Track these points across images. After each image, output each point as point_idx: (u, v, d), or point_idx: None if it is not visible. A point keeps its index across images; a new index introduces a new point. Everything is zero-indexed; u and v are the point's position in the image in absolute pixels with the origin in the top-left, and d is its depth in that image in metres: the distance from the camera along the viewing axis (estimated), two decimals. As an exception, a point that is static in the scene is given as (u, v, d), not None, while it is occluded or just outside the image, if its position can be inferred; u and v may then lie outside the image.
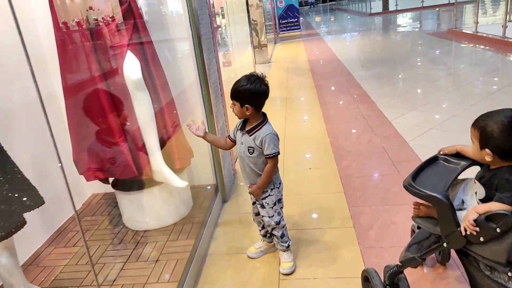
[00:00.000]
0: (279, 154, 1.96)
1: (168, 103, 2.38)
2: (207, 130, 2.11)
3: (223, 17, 5.72)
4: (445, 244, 1.50)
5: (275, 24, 15.06)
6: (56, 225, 2.66)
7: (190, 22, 2.48)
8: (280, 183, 2.12)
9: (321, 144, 3.99)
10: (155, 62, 2.29)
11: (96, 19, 2.10)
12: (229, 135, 2.11)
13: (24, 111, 2.52)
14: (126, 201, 2.44)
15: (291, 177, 3.28)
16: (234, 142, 2.10)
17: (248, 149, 1.97)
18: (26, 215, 2.54)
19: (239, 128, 2.03)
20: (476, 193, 1.50)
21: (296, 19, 15.75)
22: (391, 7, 20.76)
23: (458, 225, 1.41)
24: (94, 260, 2.26)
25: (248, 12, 7.34)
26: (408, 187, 1.53)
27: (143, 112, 2.16)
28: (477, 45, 8.51)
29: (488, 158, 1.40)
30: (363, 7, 23.43)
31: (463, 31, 9.82)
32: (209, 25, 2.84)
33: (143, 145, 2.23)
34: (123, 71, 2.05)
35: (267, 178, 2.00)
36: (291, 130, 4.53)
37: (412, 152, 3.52)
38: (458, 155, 1.63)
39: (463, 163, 1.57)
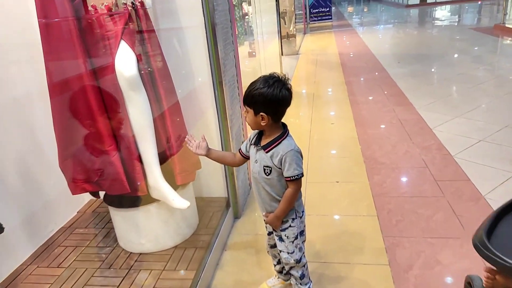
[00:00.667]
0: (302, 176, 1.54)
1: (172, 106, 1.98)
2: (209, 146, 1.71)
3: (250, 4, 5.26)
4: None
5: (306, 13, 14.40)
6: (43, 238, 2.34)
7: (203, 7, 2.05)
8: (303, 212, 1.70)
9: (351, 152, 3.51)
10: (157, 55, 1.89)
11: (125, 3, 1.73)
12: (240, 149, 1.70)
13: (11, 106, 2.19)
14: (119, 218, 2.08)
15: (314, 192, 2.84)
16: (246, 157, 1.70)
17: (264, 169, 1.55)
18: (10, 224, 2.25)
19: (252, 142, 1.62)
20: None
21: (328, 9, 15.03)
22: (430, -2, 19.61)
23: None
24: (78, 287, 1.92)
25: (277, 0, 6.83)
26: (481, 249, 1.04)
27: (138, 116, 1.77)
28: (528, 43, 7.70)
29: None
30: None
31: (512, 27, 8.93)
32: (227, 12, 2.41)
33: (138, 155, 1.84)
34: (114, 66, 1.66)
35: (288, 205, 1.59)
36: (317, 133, 4.07)
37: (458, 169, 3.01)
38: None
39: None
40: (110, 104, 1.74)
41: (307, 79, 6.64)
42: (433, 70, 6.41)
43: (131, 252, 2.12)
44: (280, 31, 6.78)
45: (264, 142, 1.56)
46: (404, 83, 5.66)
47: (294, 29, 9.21)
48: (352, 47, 9.63)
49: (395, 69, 6.62)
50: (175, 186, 2.00)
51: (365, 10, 24.02)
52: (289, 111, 1.57)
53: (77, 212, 2.64)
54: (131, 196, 1.92)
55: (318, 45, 10.77)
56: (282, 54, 7.02)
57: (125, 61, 1.66)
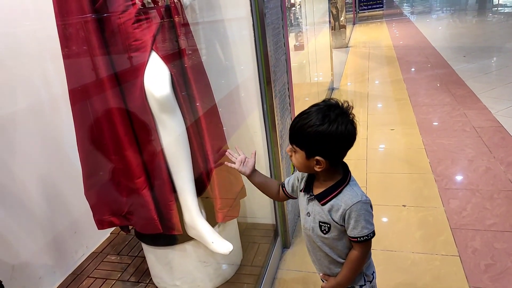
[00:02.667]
0: (374, 235, 1.14)
1: (212, 126, 1.64)
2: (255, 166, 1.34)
3: (299, -5, 4.80)
4: None
5: (355, 2, 13.59)
6: (72, 265, 2.12)
7: (251, 3, 1.68)
8: (373, 274, 1.30)
9: (418, 167, 3.01)
10: (195, 67, 1.55)
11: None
12: (283, 185, 1.33)
13: (34, 114, 1.97)
14: (152, 256, 1.79)
15: (376, 218, 2.40)
16: (290, 197, 1.33)
17: (320, 226, 1.17)
18: (33, 250, 2.05)
19: (302, 188, 1.24)
20: None
21: (379, -3, 14.12)
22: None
23: None
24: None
25: (327, -12, 6.30)
26: None
27: (172, 143, 1.45)
28: None
29: None
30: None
31: None
32: (279, 9, 2.02)
33: (172, 189, 1.53)
34: (143, 84, 1.34)
35: (354, 272, 1.20)
36: (375, 143, 3.58)
37: (560, 196, 2.44)
38: None
39: None
40: (139, 129, 1.43)
41: (359, 76, 6.08)
42: (508, 66, 5.61)
43: (165, 293, 1.84)
44: (330, 22, 6.25)
45: (318, 190, 1.17)
46: (474, 81, 4.96)
47: (345, 19, 8.59)
48: (407, 39, 8.84)
49: (461, 64, 5.89)
50: (214, 224, 1.67)
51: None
52: (346, 163, 1.17)
53: (110, 234, 2.41)
54: (165, 234, 1.61)
55: (369, 36, 10.04)
56: (332, 47, 6.49)
57: (156, 79, 1.33)
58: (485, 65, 5.77)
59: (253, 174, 1.34)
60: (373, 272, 1.30)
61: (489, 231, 2.21)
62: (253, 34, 1.75)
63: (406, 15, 13.62)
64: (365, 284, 1.26)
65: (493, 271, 1.92)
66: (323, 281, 1.34)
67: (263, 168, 2.09)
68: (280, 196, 1.36)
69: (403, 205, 2.55)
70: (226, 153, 1.34)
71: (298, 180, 1.28)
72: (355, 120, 1.09)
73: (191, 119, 1.54)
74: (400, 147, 3.41)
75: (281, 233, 2.24)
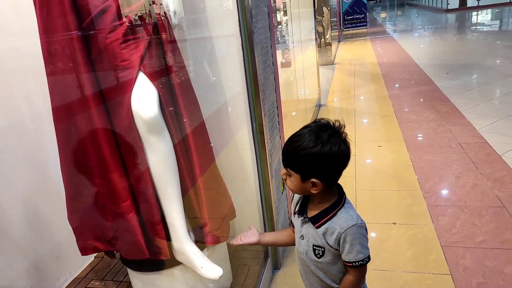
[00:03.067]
0: (369, 260, 1.11)
1: (200, 145, 1.60)
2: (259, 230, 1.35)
3: (285, 13, 4.87)
4: None
5: (340, 20, 13.89)
6: (52, 293, 2.03)
7: (239, 22, 1.68)
8: (368, 300, 1.27)
9: (407, 184, 3.02)
10: (183, 84, 1.53)
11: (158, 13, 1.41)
12: (291, 222, 1.30)
13: (15, 136, 1.90)
14: (138, 281, 1.72)
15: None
16: None
17: (314, 250, 1.14)
18: (10, 277, 1.94)
19: (296, 210, 1.21)
20: None
21: (363, 15, 14.45)
22: (470, 2, 18.45)
23: None
24: None
25: (314, 6, 6.40)
26: None
27: (160, 166, 1.41)
28: None
29: None
30: (438, 2, 21.24)
31: None
32: (268, 29, 2.03)
33: (160, 213, 1.48)
34: (130, 105, 1.30)
35: None
36: (363, 160, 3.59)
37: (546, 212, 2.46)
38: None
39: None
40: (126, 150, 1.39)
41: (346, 93, 6.15)
42: (488, 82, 5.76)
43: (151, 321, 1.76)
44: (316, 39, 6.34)
45: (312, 212, 1.14)
46: (458, 98, 5.07)
47: (330, 36, 8.74)
48: (391, 56, 9.03)
49: (444, 81, 6.02)
50: (203, 248, 1.62)
51: (401, 15, 23.08)
52: (341, 185, 1.16)
53: (95, 257, 2.32)
54: (152, 259, 1.55)
55: (354, 54, 10.22)
56: (318, 64, 6.56)
57: (143, 99, 1.30)
58: (468, 82, 5.91)
59: (264, 238, 1.35)
60: (367, 298, 1.27)
61: (479, 248, 2.20)
62: (241, 53, 1.74)
63: (389, 33, 13.95)
64: (359, 311, 1.23)
65: (485, 289, 1.91)
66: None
67: (253, 188, 2.06)
68: (294, 237, 1.32)
69: (393, 223, 2.54)
70: (232, 243, 1.35)
71: (294, 204, 1.25)
72: (347, 139, 1.08)
73: (179, 138, 1.51)
74: (388, 164, 3.43)
75: (272, 254, 2.19)
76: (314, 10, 6.33)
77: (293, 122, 3.83)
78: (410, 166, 3.30)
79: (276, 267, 2.23)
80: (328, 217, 1.10)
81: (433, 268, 2.09)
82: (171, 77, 1.46)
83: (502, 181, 2.89)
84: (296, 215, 1.20)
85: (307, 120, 4.50)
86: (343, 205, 1.11)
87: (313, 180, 1.05)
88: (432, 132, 4.01)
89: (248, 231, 1.33)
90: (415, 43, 11.01)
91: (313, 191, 1.08)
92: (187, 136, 1.52)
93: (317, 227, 1.11)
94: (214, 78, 1.89)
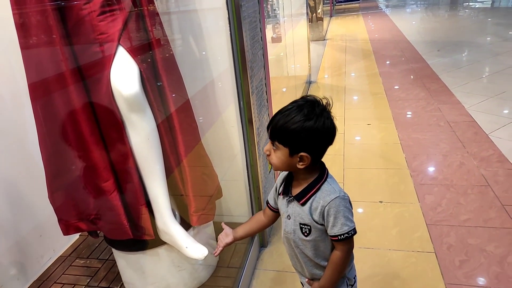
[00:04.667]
0: (355, 233, 1.10)
1: (184, 124, 1.55)
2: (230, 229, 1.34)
3: (276, -14, 4.71)
4: None
5: (332, -6, 13.60)
6: (37, 271, 2.00)
7: (227, 2, 1.60)
8: (355, 278, 1.27)
9: (394, 163, 3.03)
10: (166, 60, 1.46)
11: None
12: (267, 202, 1.28)
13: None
14: (122, 260, 1.70)
15: (354, 216, 2.39)
16: (276, 211, 1.28)
17: (301, 228, 1.13)
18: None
19: (280, 190, 1.20)
20: None
21: (355, -11, 14.17)
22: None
23: None
24: None
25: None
26: None
27: (142, 145, 1.36)
28: None
29: None
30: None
31: None
32: (257, 2, 1.94)
33: (143, 192, 1.44)
34: (109, 81, 1.24)
35: (337, 274, 1.16)
36: (352, 138, 3.58)
37: (530, 191, 2.50)
38: None
39: None
40: (107, 129, 1.33)
41: (336, 69, 6.08)
42: (479, 61, 5.74)
43: (137, 299, 1.76)
44: (308, 13, 6.20)
45: (296, 190, 1.13)
46: (448, 76, 5.05)
47: (322, 11, 8.56)
48: (383, 32, 8.92)
49: (435, 59, 5.98)
50: (189, 225, 1.60)
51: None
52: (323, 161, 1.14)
53: (79, 235, 2.29)
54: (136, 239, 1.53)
55: (346, 29, 10.07)
56: (309, 40, 6.44)
57: (123, 76, 1.23)
58: (458, 60, 5.89)
59: (236, 234, 1.30)
60: (355, 276, 1.27)
61: (463, 227, 2.24)
62: (228, 28, 1.66)
63: (381, 9, 13.75)
64: (347, 287, 1.24)
65: (468, 267, 1.94)
66: (302, 284, 1.31)
67: (240, 167, 2.03)
68: (268, 219, 1.31)
69: (379, 201, 2.55)
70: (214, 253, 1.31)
71: (276, 189, 1.23)
72: (333, 117, 1.07)
73: (163, 117, 1.45)
74: (377, 142, 3.42)
75: (259, 233, 2.19)
76: (306, -17, 6.15)
77: (282, 100, 3.78)
78: (398, 145, 3.30)
79: (263, 245, 2.24)
80: (312, 191, 1.09)
81: (418, 246, 2.12)
82: (153, 53, 1.39)
83: (488, 160, 2.92)
84: (281, 196, 1.19)
85: (297, 97, 4.43)
86: (325, 179, 1.10)
87: (302, 154, 1.03)
88: (421, 111, 4.01)
89: (222, 232, 1.30)
90: (407, 19, 10.88)
91: (300, 166, 1.06)
92: (171, 114, 1.47)
93: (303, 204, 1.10)
94: (200, 54, 1.82)
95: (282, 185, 1.18)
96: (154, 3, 1.47)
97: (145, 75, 1.30)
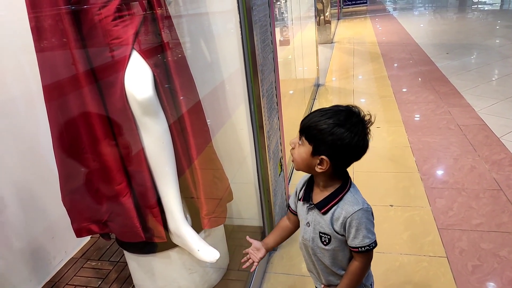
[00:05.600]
0: (376, 245, 1.10)
1: (196, 126, 1.56)
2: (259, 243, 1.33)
3: (284, -11, 4.72)
4: None
5: (339, -3, 13.59)
6: (49, 272, 2.02)
7: (238, 6, 1.61)
8: (371, 285, 1.27)
9: (404, 166, 3.01)
10: (178, 63, 1.47)
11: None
12: (288, 206, 1.28)
13: (5, 115, 1.85)
14: (134, 263, 1.71)
15: (365, 218, 2.38)
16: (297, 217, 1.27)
17: (321, 237, 1.12)
18: (5, 258, 1.92)
19: (301, 196, 1.18)
20: None
21: (363, -8, 14.16)
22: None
23: None
24: None
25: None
26: None
27: (155, 148, 1.37)
28: None
29: None
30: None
31: None
32: (267, 6, 1.95)
33: (156, 195, 1.45)
34: (123, 85, 1.25)
35: (354, 283, 1.16)
36: (362, 140, 3.55)
37: (543, 195, 2.47)
38: None
39: None
40: (120, 133, 1.34)
41: (344, 72, 6.07)
42: (488, 63, 5.69)
43: (148, 301, 1.76)
44: (316, 16, 6.20)
45: (317, 197, 1.11)
46: (457, 78, 5.01)
47: (330, 14, 8.56)
48: (391, 35, 8.88)
49: (444, 61, 5.94)
50: (200, 231, 1.60)
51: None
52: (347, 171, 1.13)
53: (91, 237, 2.31)
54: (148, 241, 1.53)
55: (353, 32, 10.05)
56: (317, 43, 6.44)
57: (138, 80, 1.25)
58: (467, 63, 5.84)
59: (268, 246, 1.30)
60: (372, 282, 1.26)
61: (475, 231, 2.21)
62: (240, 31, 1.67)
63: (389, 11, 13.70)
64: (364, 294, 1.23)
65: (480, 272, 1.92)
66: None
67: (250, 170, 2.03)
68: (293, 224, 1.29)
69: (390, 205, 2.53)
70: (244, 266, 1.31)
71: (296, 192, 1.23)
72: (370, 136, 1.05)
73: (175, 120, 1.46)
74: (386, 145, 3.41)
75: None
76: (314, -14, 6.15)
77: (291, 102, 3.77)
78: (408, 148, 3.28)
79: (273, 248, 2.23)
80: (334, 201, 1.08)
81: (429, 251, 2.10)
82: (166, 55, 1.40)
83: (500, 164, 2.88)
84: (300, 202, 1.18)
85: (306, 100, 4.44)
86: (349, 189, 1.09)
87: (323, 157, 1.02)
88: (431, 114, 3.98)
89: (250, 247, 1.30)
90: (414, 22, 10.83)
91: (318, 169, 1.04)
92: (183, 117, 1.48)
93: (324, 213, 1.09)
94: (211, 57, 1.83)
95: (303, 190, 1.17)
96: (165, 6, 1.49)
97: (158, 79, 1.31)
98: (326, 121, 1.00)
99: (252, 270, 1.27)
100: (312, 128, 1.02)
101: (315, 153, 1.04)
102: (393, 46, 7.56)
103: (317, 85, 5.41)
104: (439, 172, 2.88)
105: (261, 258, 1.28)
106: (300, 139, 1.07)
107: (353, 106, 1.05)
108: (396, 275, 1.96)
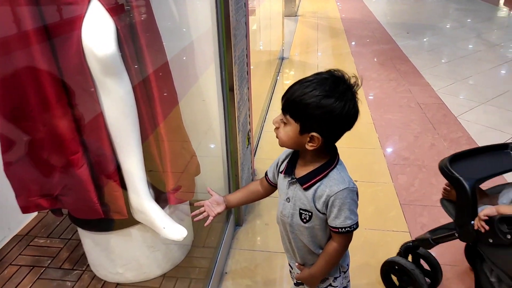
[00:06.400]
0: (357, 227, 1.04)
1: (163, 91, 1.41)
2: (221, 195, 1.22)
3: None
4: (456, 235, 1.39)
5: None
6: (-10, 251, 1.81)
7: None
8: (348, 265, 1.23)
9: (368, 142, 3.03)
10: (146, 21, 1.29)
11: None
12: (266, 174, 1.18)
13: None
14: (89, 240, 1.56)
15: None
16: (273, 185, 1.18)
17: (301, 214, 1.05)
18: None
19: (282, 169, 1.10)
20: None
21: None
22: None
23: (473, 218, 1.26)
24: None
25: None
26: (443, 169, 1.38)
27: (117, 113, 1.20)
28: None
29: None
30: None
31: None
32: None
33: (117, 166, 1.30)
34: (80, 38, 1.06)
35: (331, 265, 1.11)
36: (327, 115, 3.54)
37: (496, 173, 2.58)
38: None
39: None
40: (75, 95, 1.16)
41: (309, 46, 5.99)
42: (447, 44, 5.86)
43: (105, 281, 1.63)
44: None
45: (301, 172, 1.04)
46: (417, 58, 5.11)
47: (295, -14, 8.35)
48: (354, 11, 8.88)
49: (405, 40, 6.03)
50: (166, 203, 1.48)
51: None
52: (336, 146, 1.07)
53: (38, 212, 2.10)
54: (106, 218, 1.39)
55: (317, 6, 9.92)
56: (284, 15, 6.27)
57: (98, 33, 1.07)
58: (427, 43, 6.00)
59: (230, 203, 1.19)
60: (348, 263, 1.23)
61: (435, 207, 2.27)
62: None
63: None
64: (339, 276, 1.19)
65: (440, 246, 1.98)
66: (291, 267, 1.25)
67: (218, 142, 1.92)
68: (264, 191, 1.20)
69: (355, 180, 2.53)
70: (192, 217, 1.19)
71: (278, 164, 1.13)
72: (359, 100, 0.96)
73: (141, 83, 1.30)
74: (350, 121, 3.40)
75: (235, 210, 2.11)
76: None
77: (256, 74, 3.64)
78: (371, 124, 3.31)
79: (238, 223, 2.16)
80: (318, 178, 1.00)
81: (393, 226, 2.14)
82: (132, 10, 1.22)
83: (457, 142, 2.99)
84: (282, 175, 1.09)
85: (271, 73, 4.33)
86: (335, 166, 1.02)
87: (314, 134, 0.93)
88: (392, 92, 4.04)
89: (210, 198, 1.18)
90: (376, 0, 10.91)
91: (309, 147, 0.96)
92: (149, 79, 1.31)
93: (306, 189, 1.01)
94: (181, 16, 1.65)
95: (285, 162, 1.08)
96: None
97: (122, 34, 1.13)
98: (311, 94, 0.90)
99: (206, 224, 1.16)
100: (297, 104, 0.92)
101: (303, 130, 0.95)
102: (356, 23, 7.57)
103: (282, 58, 5.29)
104: (401, 149, 2.93)
105: (219, 214, 1.17)
106: (284, 117, 0.97)
107: (335, 71, 0.95)
108: (362, 250, 1.97)
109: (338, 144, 1.05)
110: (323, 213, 1.02)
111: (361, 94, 0.96)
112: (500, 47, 5.73)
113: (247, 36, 2.02)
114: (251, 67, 2.60)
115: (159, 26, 1.42)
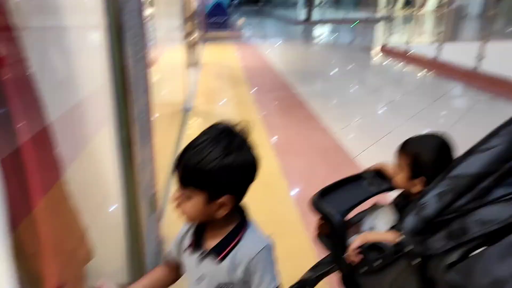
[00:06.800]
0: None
1: (42, 156, 1.15)
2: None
3: (151, 4, 4.41)
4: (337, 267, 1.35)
5: (204, 21, 13.81)
6: None
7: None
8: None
9: (278, 191, 3.02)
10: (20, 80, 1.06)
11: None
12: (166, 259, 1.02)
13: None
14: None
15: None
16: (177, 263, 1.02)
17: None
18: None
19: (188, 244, 0.96)
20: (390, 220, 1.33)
21: (225, 18, 14.76)
22: (314, 17, 20.70)
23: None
24: None
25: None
26: (314, 203, 1.38)
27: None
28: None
29: (418, 188, 1.26)
30: (290, 14, 23.36)
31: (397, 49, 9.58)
32: (138, 13, 1.66)
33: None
34: None
35: None
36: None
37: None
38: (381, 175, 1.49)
39: (384, 187, 1.46)
40: None
41: (212, 96, 6.03)
42: (336, 89, 6.47)
43: None
44: (184, 38, 6.00)
45: (212, 242, 0.91)
46: (313, 103, 5.40)
47: (197, 37, 8.50)
48: (253, 61, 9.35)
49: (301, 87, 6.43)
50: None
51: (259, 22, 24.39)
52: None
53: None
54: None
55: (219, 56, 10.25)
56: (188, 65, 6.23)
57: None
58: (319, 88, 6.54)
59: None
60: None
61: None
62: (107, 37, 1.33)
63: (249, 39, 14.52)
64: None
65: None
66: None
67: (117, 215, 1.66)
68: (173, 270, 1.02)
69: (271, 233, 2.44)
70: None
71: (176, 241, 0.98)
72: (253, 147, 0.91)
73: (10, 150, 1.04)
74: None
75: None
76: (183, 8, 5.98)
77: (160, 130, 3.44)
78: (279, 172, 3.32)
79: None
80: (233, 243, 0.90)
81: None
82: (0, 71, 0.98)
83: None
84: (187, 252, 0.94)
85: (176, 126, 4.15)
86: (248, 225, 0.93)
87: (223, 199, 0.84)
88: (295, 137, 4.18)
89: None
90: (272, 50, 11.72)
91: (222, 212, 0.87)
92: (22, 146, 1.06)
93: (221, 260, 0.89)
94: (67, 72, 1.43)
95: (189, 235, 0.95)
96: (9, 14, 1.07)
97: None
98: (210, 157, 0.82)
99: None
100: (198, 172, 0.82)
101: (212, 197, 0.85)
102: (255, 71, 7.92)
103: (186, 110, 5.17)
104: (311, 195, 2.95)
105: None
106: (185, 191, 0.85)
107: (219, 124, 0.90)
108: None
109: (248, 195, 0.95)
110: (246, 281, 0.90)
111: (266, 141, 0.91)
112: (378, 91, 6.47)
113: (148, 90, 1.85)
114: (157, 118, 2.43)
115: (43, 83, 1.19)
